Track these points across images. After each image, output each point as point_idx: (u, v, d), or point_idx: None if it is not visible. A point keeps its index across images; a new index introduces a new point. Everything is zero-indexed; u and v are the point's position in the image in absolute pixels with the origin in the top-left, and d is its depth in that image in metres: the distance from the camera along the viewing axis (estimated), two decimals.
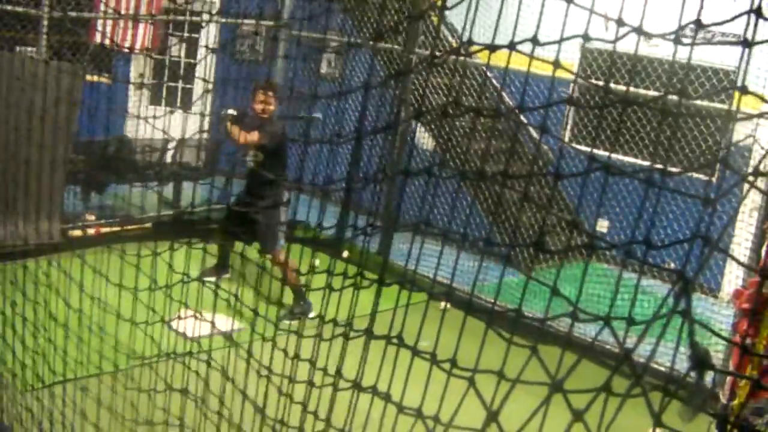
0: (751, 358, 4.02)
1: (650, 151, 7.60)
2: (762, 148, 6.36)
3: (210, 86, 7.07)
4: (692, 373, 1.21)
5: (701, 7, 1.25)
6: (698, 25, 1.25)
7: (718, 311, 6.76)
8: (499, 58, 1.68)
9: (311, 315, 5.93)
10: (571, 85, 7.74)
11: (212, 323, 2.80)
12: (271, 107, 6.25)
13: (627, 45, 1.48)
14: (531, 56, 1.42)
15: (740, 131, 6.78)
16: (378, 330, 1.93)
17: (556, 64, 1.40)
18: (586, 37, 1.33)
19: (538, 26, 1.46)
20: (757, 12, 1.17)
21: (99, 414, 3.43)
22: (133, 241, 5.93)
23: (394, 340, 1.71)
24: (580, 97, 8.11)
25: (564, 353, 1.36)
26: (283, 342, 2.49)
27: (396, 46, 7.81)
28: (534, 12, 1.69)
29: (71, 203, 7.57)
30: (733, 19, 1.24)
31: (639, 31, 1.30)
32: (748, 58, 1.21)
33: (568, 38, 1.37)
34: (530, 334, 1.62)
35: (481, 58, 1.84)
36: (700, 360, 1.17)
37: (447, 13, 8.85)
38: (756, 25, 1.17)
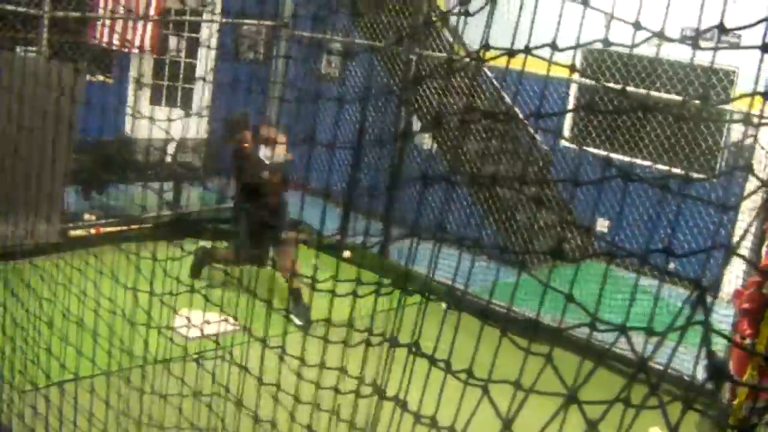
0: (751, 358, 4.03)
1: (650, 151, 7.61)
2: (762, 148, 6.36)
3: (219, 91, 7.06)
4: (709, 384, 1.21)
5: (723, 12, 1.25)
6: (721, 29, 1.25)
7: (718, 311, 6.77)
8: (502, 61, 1.67)
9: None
10: (572, 86, 7.75)
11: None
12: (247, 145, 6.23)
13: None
14: (550, 61, 1.42)
15: (740, 131, 6.78)
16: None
17: (573, 67, 1.40)
18: (606, 42, 1.33)
19: (556, 30, 1.45)
20: None
21: (107, 414, 3.42)
22: (133, 242, 5.92)
23: (413, 348, 1.70)
24: (580, 97, 8.11)
25: (583, 362, 1.34)
26: (291, 345, 2.49)
27: (399, 47, 7.80)
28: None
29: (71, 202, 7.54)
30: (755, 24, 1.24)
31: (660, 35, 1.30)
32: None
33: (586, 44, 1.37)
34: (543, 339, 1.61)
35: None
36: (718, 371, 1.17)
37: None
38: None
